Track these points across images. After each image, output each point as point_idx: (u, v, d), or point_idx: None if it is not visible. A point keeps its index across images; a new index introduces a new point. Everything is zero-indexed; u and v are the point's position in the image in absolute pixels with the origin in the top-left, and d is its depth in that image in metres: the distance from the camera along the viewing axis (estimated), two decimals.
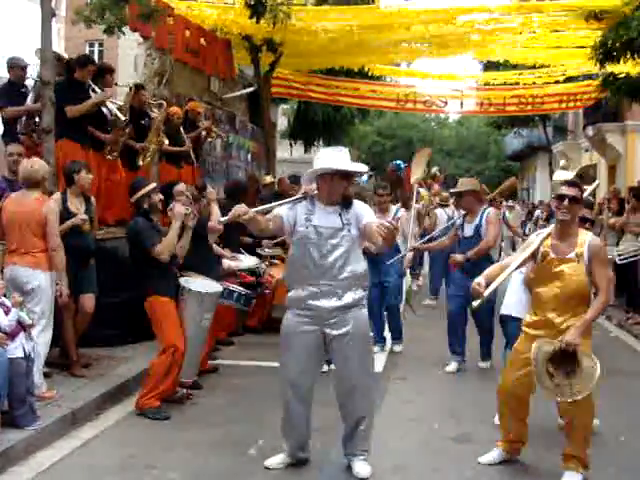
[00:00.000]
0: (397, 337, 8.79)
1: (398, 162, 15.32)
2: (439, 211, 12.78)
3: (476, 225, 7.76)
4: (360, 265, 4.78)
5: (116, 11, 8.01)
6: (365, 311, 4.89)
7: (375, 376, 7.26)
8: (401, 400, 6.73)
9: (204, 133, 10.67)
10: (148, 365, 6.12)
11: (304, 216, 4.75)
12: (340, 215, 4.72)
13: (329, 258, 4.66)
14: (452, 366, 7.77)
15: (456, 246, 8.00)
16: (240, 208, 4.68)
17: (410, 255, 8.65)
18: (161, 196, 6.32)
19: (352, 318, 4.73)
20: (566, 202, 4.78)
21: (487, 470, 5.02)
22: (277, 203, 5.02)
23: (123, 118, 8.22)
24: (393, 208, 8.73)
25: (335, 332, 4.71)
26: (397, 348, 8.71)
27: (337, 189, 4.74)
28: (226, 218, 4.89)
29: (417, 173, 10.11)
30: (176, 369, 5.98)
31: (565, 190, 4.84)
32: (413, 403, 6.66)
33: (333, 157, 4.76)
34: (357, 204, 4.85)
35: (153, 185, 6.41)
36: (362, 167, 5.16)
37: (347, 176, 4.77)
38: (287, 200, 5.04)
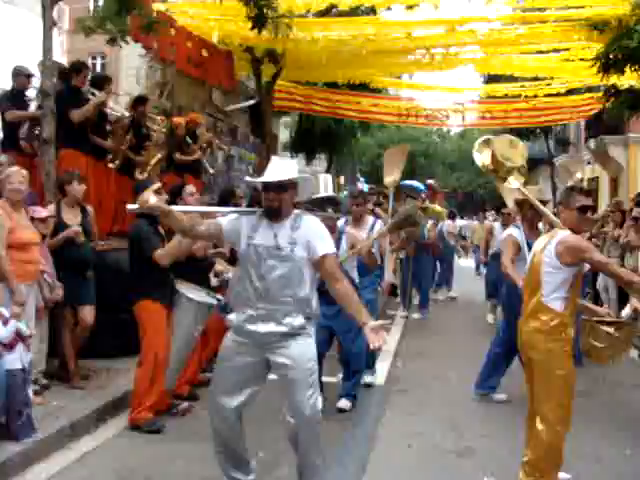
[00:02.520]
0: (369, 366, 7.54)
1: (416, 185, 13.29)
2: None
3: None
4: (302, 289, 4.21)
5: (117, 21, 8.01)
6: (311, 340, 4.33)
7: (376, 389, 7.30)
8: (402, 413, 6.67)
9: (204, 145, 10.66)
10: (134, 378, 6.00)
11: (247, 233, 4.26)
12: (284, 233, 4.21)
13: (267, 280, 4.18)
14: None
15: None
16: (143, 195, 4.33)
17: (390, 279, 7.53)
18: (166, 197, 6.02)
19: (295, 347, 4.22)
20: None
21: None
22: (222, 208, 4.57)
23: (127, 114, 8.28)
24: (370, 220, 7.73)
25: (277, 359, 4.25)
26: (369, 379, 7.51)
27: (272, 203, 4.20)
28: (135, 206, 4.32)
29: (393, 174, 8.67)
30: (160, 377, 5.88)
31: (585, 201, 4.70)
32: (414, 416, 6.59)
33: (272, 168, 4.28)
34: (309, 224, 4.29)
35: (157, 185, 6.05)
36: (290, 174, 4.24)
37: (282, 188, 4.19)
38: (236, 209, 4.60)
